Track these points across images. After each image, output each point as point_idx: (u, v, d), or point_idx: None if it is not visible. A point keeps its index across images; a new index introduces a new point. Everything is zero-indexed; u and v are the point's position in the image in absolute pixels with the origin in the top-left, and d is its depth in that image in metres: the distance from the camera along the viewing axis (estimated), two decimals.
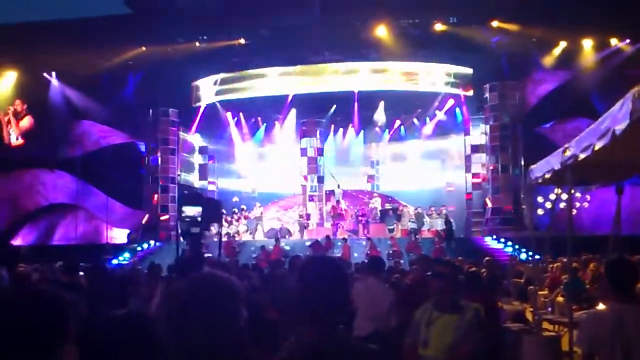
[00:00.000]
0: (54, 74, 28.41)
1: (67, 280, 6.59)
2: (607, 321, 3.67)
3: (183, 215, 11.18)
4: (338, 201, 26.76)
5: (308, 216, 27.45)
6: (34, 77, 28.15)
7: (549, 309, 10.14)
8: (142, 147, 28.48)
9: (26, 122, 28.55)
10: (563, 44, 25.34)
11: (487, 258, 12.07)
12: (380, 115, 30.06)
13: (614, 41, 25.26)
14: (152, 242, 25.29)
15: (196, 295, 1.94)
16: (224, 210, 18.29)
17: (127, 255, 23.67)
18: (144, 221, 26.59)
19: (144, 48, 26.53)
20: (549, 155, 6.91)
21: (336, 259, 2.51)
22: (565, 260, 12.64)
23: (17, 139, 28.41)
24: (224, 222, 23.74)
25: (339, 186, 28.22)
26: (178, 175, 27.98)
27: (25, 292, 1.95)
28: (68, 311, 1.88)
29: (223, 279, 2.01)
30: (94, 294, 5.36)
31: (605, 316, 3.78)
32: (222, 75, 27.87)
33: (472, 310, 4.34)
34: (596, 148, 4.92)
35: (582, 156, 5.35)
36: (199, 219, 10.81)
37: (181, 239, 12.58)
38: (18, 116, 28.48)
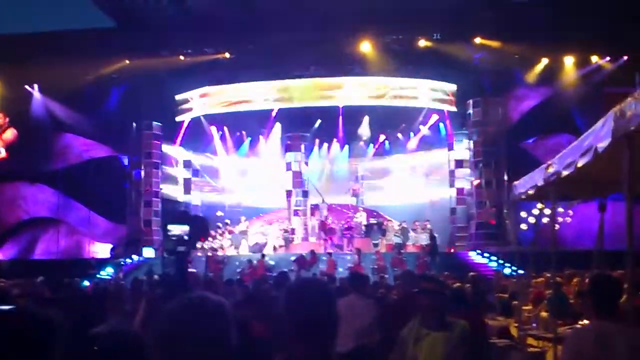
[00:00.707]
0: (36, 86, 28.23)
1: (48, 296, 6.53)
2: (590, 338, 3.68)
3: (169, 233, 11.15)
4: (327, 216, 26.69)
5: (293, 230, 27.38)
6: (16, 89, 27.94)
7: (534, 324, 10.16)
8: (126, 161, 28.30)
9: (9, 134, 28.31)
10: (545, 61, 25.70)
11: (471, 273, 12.10)
12: (364, 130, 30.16)
13: (594, 58, 25.67)
14: (135, 257, 25.09)
15: (188, 317, 1.94)
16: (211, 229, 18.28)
17: (110, 270, 23.45)
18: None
19: (127, 61, 26.45)
20: (532, 172, 6.97)
21: (321, 280, 2.50)
22: (548, 275, 12.72)
23: None
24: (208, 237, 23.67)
25: (323, 200, 28.21)
26: (161, 189, 27.82)
27: (12, 311, 1.98)
28: (53, 329, 1.91)
29: (214, 301, 2.01)
30: (71, 310, 5.29)
31: (588, 333, 3.80)
32: (207, 89, 27.84)
33: (459, 327, 4.34)
34: (579, 165, 4.97)
35: (564, 173, 5.40)
36: (186, 237, 10.79)
37: (166, 255, 12.54)
38: (0, 129, 28.26)
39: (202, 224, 12.45)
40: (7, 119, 28.30)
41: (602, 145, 4.41)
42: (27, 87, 28.25)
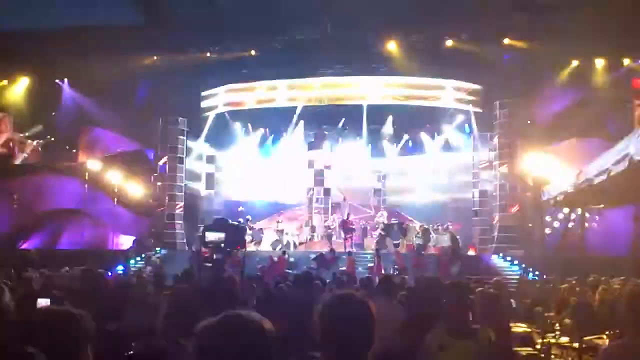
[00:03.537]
0: (66, 81, 28.60)
1: (74, 287, 6.56)
2: (629, 358, 3.49)
3: (206, 240, 11.23)
4: (348, 214, 26.61)
5: (313, 228, 27.38)
6: (46, 84, 28.34)
7: (557, 333, 10.01)
8: (151, 155, 28.54)
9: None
10: (575, 63, 25.32)
11: (495, 278, 11.96)
12: (388, 129, 30.05)
13: (626, 61, 25.24)
14: (157, 250, 25.29)
15: (227, 335, 1.91)
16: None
17: (135, 261, 23.68)
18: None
19: (155, 57, 26.65)
20: (560, 177, 6.85)
21: (362, 297, 2.40)
22: (573, 281, 12.55)
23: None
24: None
25: (344, 199, 28.16)
26: (185, 183, 28.00)
27: (43, 314, 2.09)
28: (79, 327, 1.98)
29: (254, 320, 1.97)
30: (97, 302, 5.32)
31: (627, 351, 3.56)
32: (232, 85, 27.95)
33: (485, 335, 4.27)
34: (612, 173, 4.87)
35: (596, 180, 5.30)
36: (222, 244, 10.84)
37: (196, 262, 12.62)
38: None
39: (239, 232, 12.49)
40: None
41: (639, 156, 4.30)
42: (57, 81, 28.60)
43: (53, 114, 29.93)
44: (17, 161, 29.57)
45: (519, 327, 9.67)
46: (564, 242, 23.08)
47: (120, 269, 21.55)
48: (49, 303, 5.34)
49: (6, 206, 28.31)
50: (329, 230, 26.26)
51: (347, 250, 23.83)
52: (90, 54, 25.17)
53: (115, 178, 28.00)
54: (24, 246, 27.25)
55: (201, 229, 15.71)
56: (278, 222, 27.21)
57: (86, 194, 28.08)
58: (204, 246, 11.35)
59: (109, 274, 16.69)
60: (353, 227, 25.75)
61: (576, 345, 8.23)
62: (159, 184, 27.46)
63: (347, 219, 26.27)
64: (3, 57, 27.31)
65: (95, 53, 25.14)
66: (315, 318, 2.34)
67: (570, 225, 16.98)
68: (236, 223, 23.94)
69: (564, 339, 9.43)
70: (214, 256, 10.94)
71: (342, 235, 25.77)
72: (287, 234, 26.77)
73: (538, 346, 8.75)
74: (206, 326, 1.95)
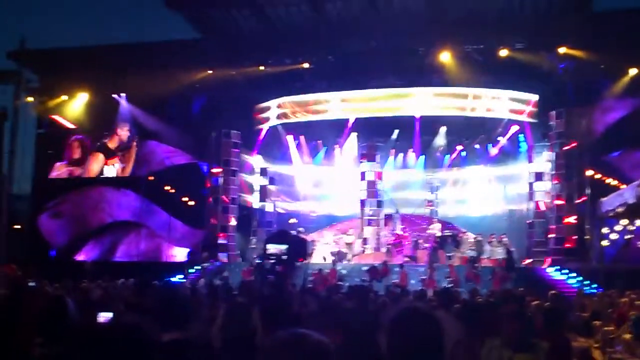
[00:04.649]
0: (123, 95, 29.38)
1: (133, 301, 6.74)
2: None
3: (267, 252, 11.25)
4: (404, 229, 26.40)
5: (365, 240, 27.34)
6: (105, 98, 29.19)
7: (617, 347, 9.74)
8: (205, 168, 29.02)
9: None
10: (633, 71, 24.64)
11: (552, 291, 11.69)
12: (441, 140, 29.81)
13: None
14: (211, 262, 25.68)
15: (290, 356, 1.90)
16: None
17: (192, 271, 24.14)
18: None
19: (210, 71, 27.16)
20: (619, 188, 6.70)
21: (432, 313, 2.30)
22: (633, 295, 12.19)
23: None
24: None
25: (397, 211, 28.03)
26: (239, 195, 28.35)
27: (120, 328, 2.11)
28: (152, 343, 2.04)
29: (316, 341, 1.94)
30: (160, 316, 5.44)
31: None
32: (284, 98, 28.23)
33: (543, 349, 4.21)
34: None
35: None
36: (285, 257, 10.83)
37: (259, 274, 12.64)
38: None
39: (301, 244, 12.48)
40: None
41: None
42: (114, 95, 29.43)
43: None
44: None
45: (578, 342, 9.45)
46: (623, 254, 22.44)
47: (179, 278, 22.06)
48: (111, 316, 5.50)
49: (65, 219, 29.26)
50: (383, 243, 26.17)
51: (400, 262, 23.70)
52: (146, 69, 25.85)
53: (170, 191, 28.57)
54: (80, 258, 28.08)
55: (264, 240, 15.71)
56: (334, 234, 27.25)
57: (142, 207, 28.72)
58: (266, 258, 11.35)
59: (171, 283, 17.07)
60: (401, 242, 25.58)
61: None
62: (212, 196, 27.88)
63: (404, 232, 26.11)
64: (62, 73, 28.38)
65: (152, 67, 25.82)
66: (385, 332, 2.29)
67: (626, 237, 16.48)
68: (298, 235, 24.24)
69: (624, 354, 9.16)
70: (276, 268, 10.96)
71: (394, 247, 25.66)
72: (338, 246, 26.79)
73: None
74: (272, 345, 1.94)
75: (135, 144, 29.23)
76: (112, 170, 29.44)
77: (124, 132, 29.42)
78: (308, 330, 2.00)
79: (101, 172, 29.53)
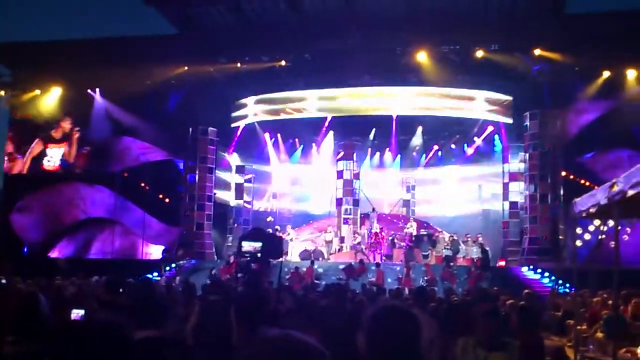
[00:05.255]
0: (97, 90, 29.04)
1: (106, 298, 6.65)
2: None
3: (242, 250, 11.12)
4: (381, 229, 26.46)
5: (342, 239, 27.36)
6: (79, 93, 28.83)
7: (590, 346, 9.88)
8: (181, 165, 28.81)
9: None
10: (606, 74, 25.00)
11: (526, 291, 11.82)
12: (417, 140, 29.96)
13: None
14: (185, 260, 25.51)
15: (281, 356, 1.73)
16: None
17: (167, 269, 23.97)
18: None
19: (186, 67, 26.95)
20: (593, 189, 6.78)
21: (410, 311, 2.25)
22: (605, 294, 12.36)
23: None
24: None
25: (373, 209, 28.12)
26: (214, 193, 28.20)
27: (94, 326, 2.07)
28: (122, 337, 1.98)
29: (303, 344, 1.77)
30: (135, 313, 5.37)
31: None
32: (262, 96, 28.14)
33: (515, 347, 4.24)
34: None
35: (630, 192, 5.23)
36: (259, 254, 10.72)
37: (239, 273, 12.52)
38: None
39: (276, 242, 12.35)
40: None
41: None
42: (89, 91, 29.06)
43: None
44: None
45: (551, 340, 9.57)
46: (596, 255, 22.74)
47: (155, 275, 21.89)
48: (83, 313, 5.42)
49: (38, 215, 28.86)
50: (358, 241, 26.19)
51: (376, 261, 23.77)
52: (122, 64, 25.55)
53: (146, 187, 28.32)
54: (54, 255, 27.71)
55: (238, 238, 15.60)
56: (310, 232, 27.26)
57: (117, 204, 28.44)
58: (241, 256, 11.23)
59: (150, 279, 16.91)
60: (380, 241, 25.63)
61: (609, 358, 8.11)
62: (188, 193, 27.70)
63: (381, 232, 26.16)
64: (35, 67, 27.94)
65: (127, 63, 25.53)
66: (363, 330, 2.25)
67: (600, 237, 16.68)
68: (274, 232, 24.18)
69: (596, 353, 9.30)
70: (251, 266, 10.86)
71: (371, 246, 25.71)
72: (315, 244, 26.81)
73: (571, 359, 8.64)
74: (256, 345, 1.77)
75: (76, 133, 29.92)
76: (57, 152, 30.08)
77: (66, 125, 30.02)
78: (298, 333, 1.83)
79: (44, 154, 30.03)
